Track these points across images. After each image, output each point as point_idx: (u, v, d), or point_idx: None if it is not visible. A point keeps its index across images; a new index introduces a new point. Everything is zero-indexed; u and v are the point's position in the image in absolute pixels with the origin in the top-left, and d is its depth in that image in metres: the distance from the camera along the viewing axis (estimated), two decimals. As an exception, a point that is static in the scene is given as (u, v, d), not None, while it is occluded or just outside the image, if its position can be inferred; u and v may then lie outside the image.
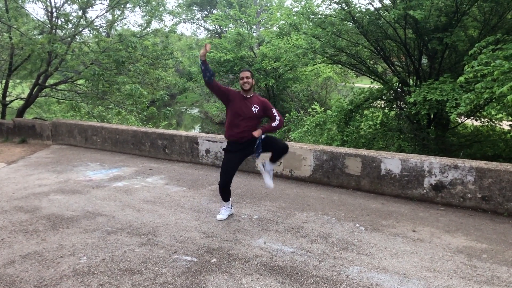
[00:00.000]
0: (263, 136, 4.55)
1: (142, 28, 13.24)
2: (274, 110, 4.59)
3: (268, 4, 32.81)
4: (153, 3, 12.61)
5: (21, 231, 4.38)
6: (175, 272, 3.45)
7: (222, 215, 4.77)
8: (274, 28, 19.42)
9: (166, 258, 3.71)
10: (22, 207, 5.18)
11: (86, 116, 14.23)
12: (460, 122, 11.14)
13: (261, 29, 26.48)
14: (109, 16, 13.43)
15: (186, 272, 3.44)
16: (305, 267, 3.54)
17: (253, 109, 4.48)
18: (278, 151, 4.60)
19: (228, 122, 4.57)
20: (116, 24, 13.84)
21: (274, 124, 4.53)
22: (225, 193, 4.70)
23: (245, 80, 4.47)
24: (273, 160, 4.70)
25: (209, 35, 44.05)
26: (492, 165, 5.09)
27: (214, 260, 3.67)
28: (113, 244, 4.01)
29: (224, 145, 7.21)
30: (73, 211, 5.02)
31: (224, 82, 23.56)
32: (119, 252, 3.82)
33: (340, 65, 12.87)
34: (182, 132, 8.19)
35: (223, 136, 7.64)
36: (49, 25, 11.81)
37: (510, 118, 9.35)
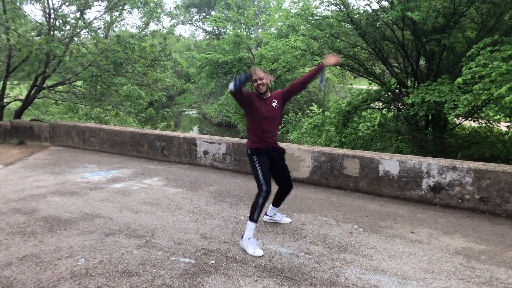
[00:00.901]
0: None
1: (140, 30, 13.25)
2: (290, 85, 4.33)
3: (266, 6, 32.83)
4: (151, 4, 12.61)
5: (18, 233, 4.36)
6: (173, 274, 3.43)
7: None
8: (272, 29, 19.45)
9: (164, 260, 3.70)
10: (19, 209, 5.16)
11: (84, 117, 14.21)
12: (458, 123, 11.14)
13: (259, 31, 26.50)
14: (107, 18, 13.42)
15: (184, 274, 3.43)
16: (304, 268, 3.54)
17: (273, 104, 4.16)
18: (283, 187, 4.40)
19: (250, 129, 4.20)
20: (114, 25, 13.83)
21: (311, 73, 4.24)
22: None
23: (259, 82, 4.05)
24: (277, 203, 4.54)
25: (207, 37, 44.07)
26: (490, 166, 5.10)
27: (212, 262, 3.66)
28: (111, 246, 4.00)
29: (223, 147, 7.24)
30: (70, 213, 5.00)
31: (222, 84, 23.55)
32: (117, 254, 3.81)
33: (338, 67, 12.87)
34: (180, 134, 8.18)
35: (221, 137, 7.65)
36: (47, 27, 11.79)
37: (508, 119, 9.36)
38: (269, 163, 4.17)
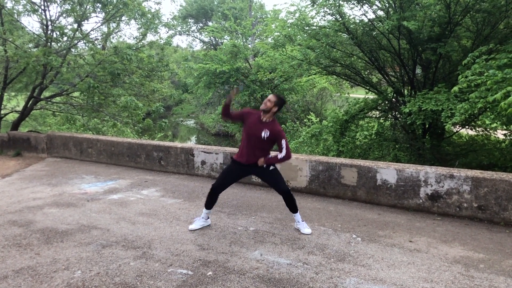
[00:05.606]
0: (271, 168, 4.59)
1: (138, 41, 13.28)
2: (283, 142, 4.46)
3: (263, 16, 33.04)
4: (149, 15, 12.66)
5: (14, 245, 4.33)
6: (170, 285, 3.41)
7: (194, 225, 4.81)
8: (269, 39, 19.52)
9: (161, 271, 3.67)
10: (16, 221, 5.13)
11: (82, 128, 14.20)
12: (455, 131, 11.18)
13: (256, 41, 26.62)
14: (105, 29, 13.46)
15: (182, 286, 3.40)
16: (302, 279, 3.51)
17: (263, 133, 4.44)
18: (284, 199, 4.60)
19: (241, 143, 4.70)
20: (111, 36, 13.87)
21: (280, 156, 4.44)
22: (210, 198, 4.72)
23: (265, 100, 4.48)
24: (292, 210, 4.68)
25: (205, 47, 44.30)
26: (488, 174, 5.10)
27: (210, 273, 3.63)
28: (107, 258, 3.97)
29: (220, 157, 7.23)
30: (67, 224, 4.97)
31: (220, 94, 23.58)
32: (114, 266, 3.78)
33: (335, 76, 12.92)
34: (177, 144, 8.17)
35: (218, 148, 7.65)
36: (45, 38, 11.82)
37: (504, 127, 9.39)
38: (242, 173, 4.79)
